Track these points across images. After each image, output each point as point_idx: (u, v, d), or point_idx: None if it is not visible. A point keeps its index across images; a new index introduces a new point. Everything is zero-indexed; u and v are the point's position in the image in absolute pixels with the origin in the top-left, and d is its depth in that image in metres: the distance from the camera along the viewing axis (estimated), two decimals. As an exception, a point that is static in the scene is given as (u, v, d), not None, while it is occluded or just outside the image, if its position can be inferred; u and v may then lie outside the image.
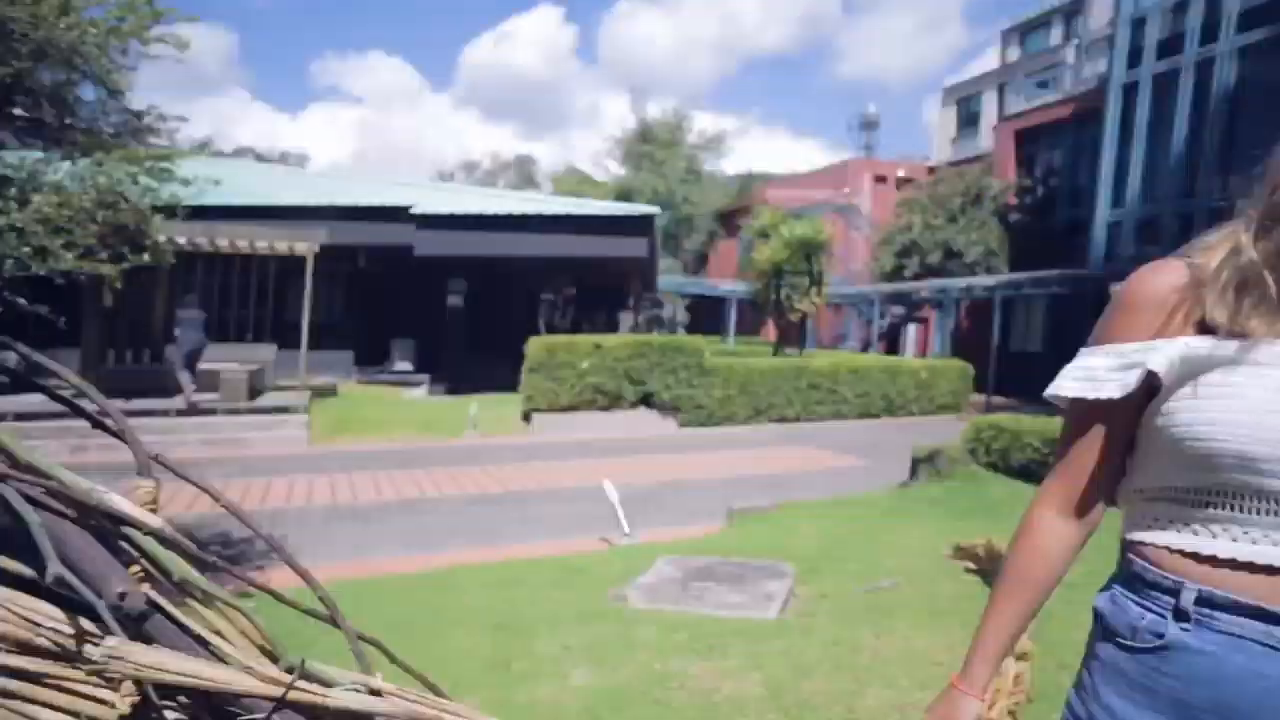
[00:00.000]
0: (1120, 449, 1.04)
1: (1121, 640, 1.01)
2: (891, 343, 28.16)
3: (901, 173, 31.70)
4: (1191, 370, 0.94)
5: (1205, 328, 0.95)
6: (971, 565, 5.12)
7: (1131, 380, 0.97)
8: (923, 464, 8.08)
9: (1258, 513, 0.92)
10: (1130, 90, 19.40)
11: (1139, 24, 19.62)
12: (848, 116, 58.67)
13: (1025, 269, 21.27)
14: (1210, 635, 0.94)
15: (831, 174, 32.62)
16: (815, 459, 10.07)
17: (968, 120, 31.35)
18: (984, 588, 4.58)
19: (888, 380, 15.33)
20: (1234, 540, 0.93)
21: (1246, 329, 0.92)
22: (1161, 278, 1.00)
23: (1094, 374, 1.01)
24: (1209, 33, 17.83)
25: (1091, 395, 1.00)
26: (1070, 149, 23.59)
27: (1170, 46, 18.77)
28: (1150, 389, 0.98)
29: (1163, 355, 0.95)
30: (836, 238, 20.82)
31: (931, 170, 29.82)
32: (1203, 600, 0.94)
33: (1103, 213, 19.54)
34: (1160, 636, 0.97)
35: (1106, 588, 1.06)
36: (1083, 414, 1.03)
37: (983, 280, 21.54)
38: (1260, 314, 0.91)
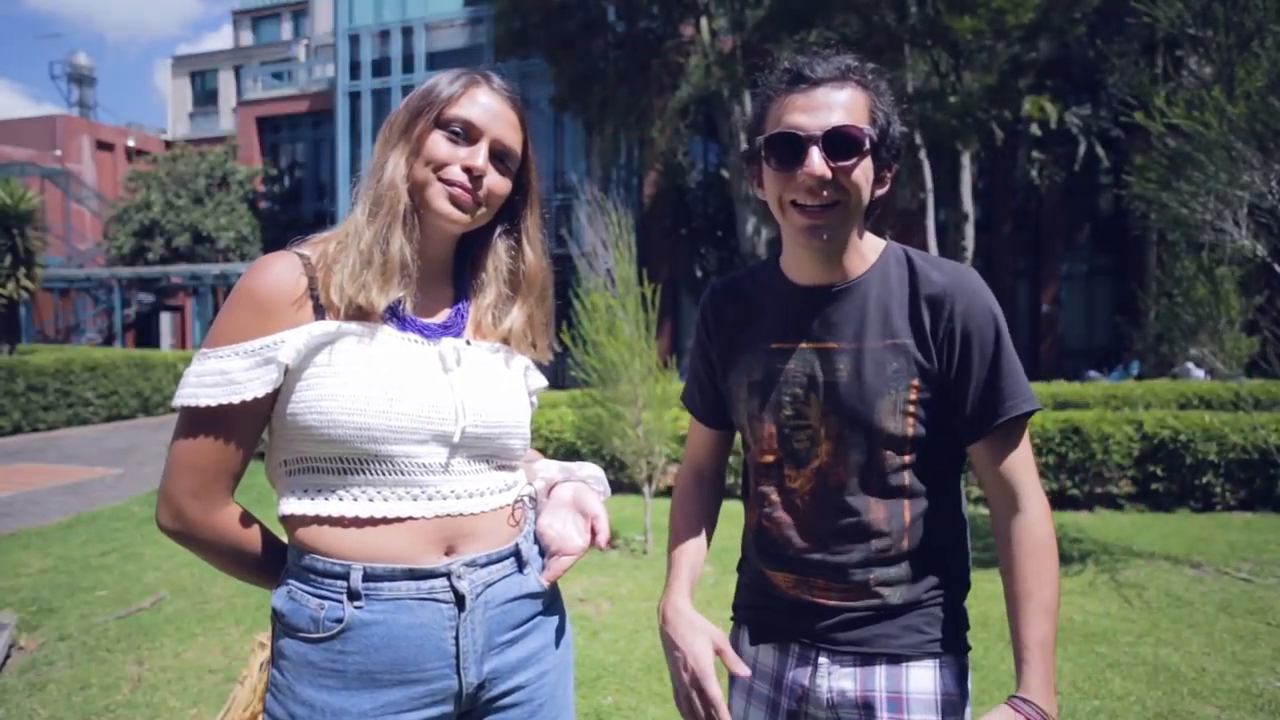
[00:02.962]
0: (258, 435, 1.09)
1: (306, 635, 1.04)
2: (143, 334, 25.04)
3: (132, 142, 28.13)
4: (315, 353, 1.03)
5: (322, 310, 1.05)
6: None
7: (272, 375, 1.02)
8: (185, 464, 7.50)
9: (383, 473, 1.04)
10: (355, 98, 21.41)
11: (355, 40, 21.77)
12: (52, 63, 48.78)
13: (280, 255, 21.59)
14: (379, 605, 1.04)
15: (36, 130, 26.74)
16: (48, 476, 8.31)
17: (205, 97, 29.75)
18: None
19: (139, 376, 13.59)
20: (370, 500, 1.05)
21: (370, 302, 1.05)
22: (277, 271, 1.05)
23: (232, 377, 1.02)
24: (408, 63, 21.05)
25: (237, 400, 1.01)
26: (311, 143, 24.73)
27: (382, 67, 21.40)
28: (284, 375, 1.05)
29: (290, 346, 1.02)
30: (52, 209, 17.29)
31: (169, 145, 27.34)
32: (369, 576, 1.04)
33: (346, 208, 21.22)
34: (340, 621, 1.03)
35: (282, 583, 1.08)
36: (224, 415, 1.03)
37: (238, 267, 20.98)
38: (379, 285, 1.06)
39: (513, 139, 1.14)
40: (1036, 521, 1.16)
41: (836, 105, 1.11)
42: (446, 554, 1.09)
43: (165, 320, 26.10)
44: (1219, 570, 4.67)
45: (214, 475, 1.06)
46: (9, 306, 13.61)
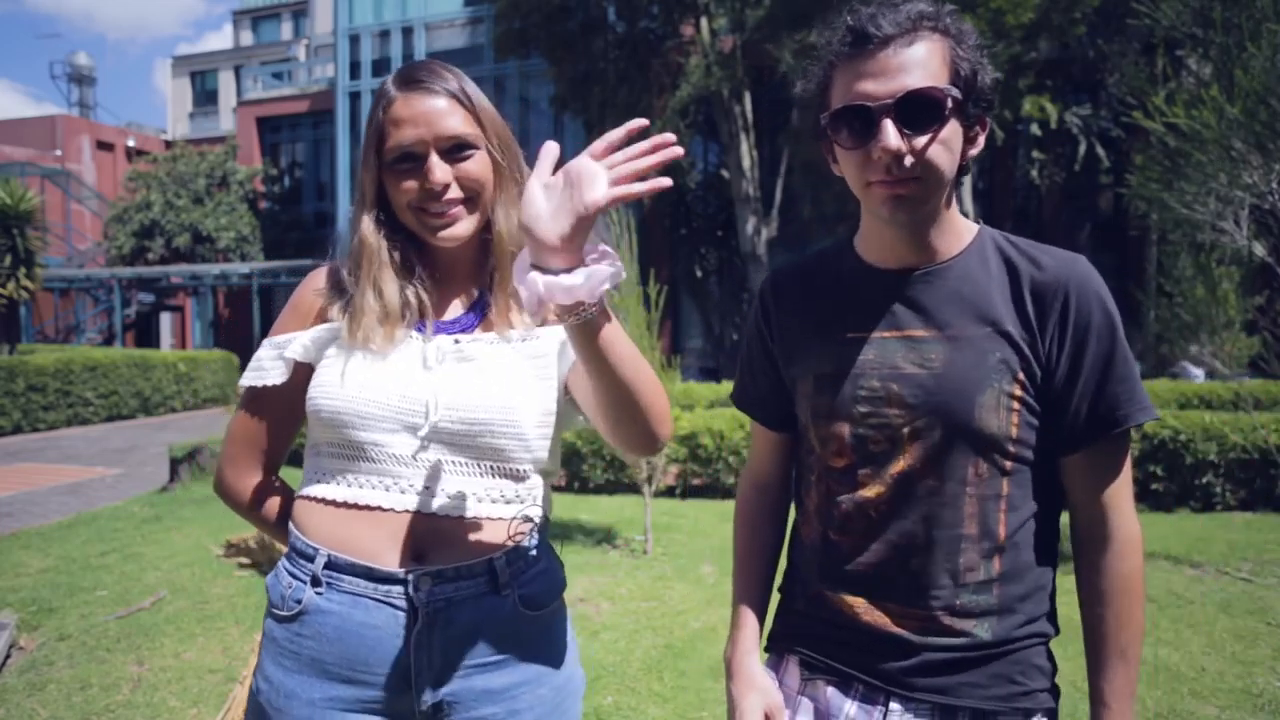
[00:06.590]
0: (288, 420, 1.21)
1: (275, 611, 1.09)
2: (143, 334, 25.04)
3: (132, 142, 28.08)
4: (324, 348, 1.13)
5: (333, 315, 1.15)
6: (245, 560, 5.06)
7: (284, 367, 1.14)
8: (183, 464, 7.52)
9: (357, 459, 1.08)
10: (355, 98, 21.40)
11: (355, 40, 21.75)
12: (52, 62, 48.59)
13: (280, 257, 21.51)
14: (337, 596, 1.05)
15: (36, 130, 26.66)
16: (48, 476, 8.32)
17: (205, 97, 29.75)
18: (258, 579, 4.59)
19: (140, 376, 13.60)
20: (347, 486, 1.08)
21: (379, 347, 1.10)
22: (313, 281, 1.19)
23: (262, 364, 1.16)
24: (409, 63, 21.12)
25: (261, 384, 1.15)
26: (311, 143, 24.72)
27: (382, 67, 21.40)
28: (310, 369, 1.14)
29: (298, 344, 1.13)
30: (52, 209, 17.28)
31: (169, 145, 27.33)
32: (331, 565, 1.05)
33: (345, 208, 21.21)
34: (299, 602, 1.06)
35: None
36: (256, 396, 1.18)
37: (238, 267, 20.98)
38: (383, 333, 1.11)
39: (454, 125, 1.08)
40: (1129, 554, 1.03)
41: (911, 65, 0.95)
42: (416, 559, 1.05)
43: (165, 320, 26.09)
44: (1219, 570, 4.66)
45: (247, 447, 1.19)
46: (9, 306, 13.61)
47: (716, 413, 7.07)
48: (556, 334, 1.13)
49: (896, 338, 1.05)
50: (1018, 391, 1.01)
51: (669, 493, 6.82)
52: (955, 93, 0.96)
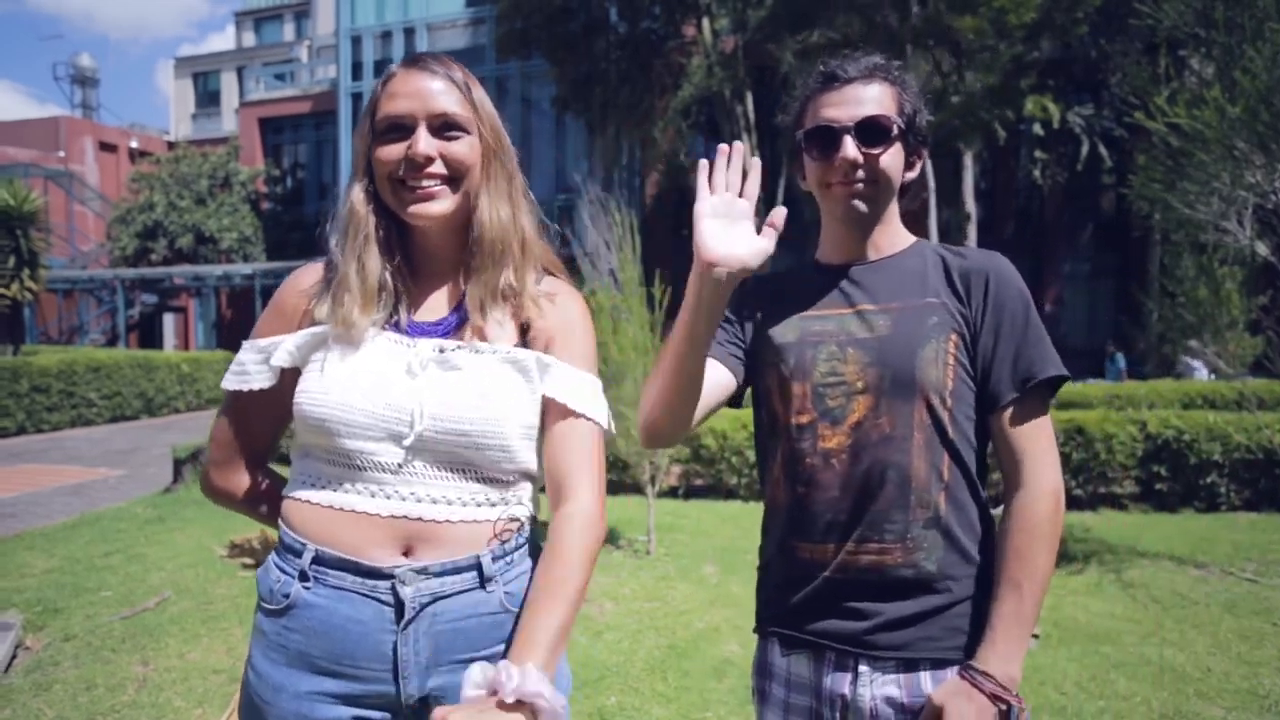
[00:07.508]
0: (274, 420, 1.20)
1: (265, 605, 1.10)
2: (146, 335, 25.09)
3: (135, 143, 28.12)
4: (312, 352, 1.11)
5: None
6: (249, 561, 5.07)
7: (270, 373, 1.13)
8: (187, 464, 7.53)
9: (344, 466, 1.08)
10: (357, 99, 21.42)
11: (357, 41, 21.76)
12: (55, 64, 48.67)
13: (283, 258, 21.52)
14: (324, 590, 1.06)
15: (40, 131, 26.70)
16: (51, 476, 8.33)
17: (208, 98, 29.78)
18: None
19: (143, 377, 13.61)
20: (334, 491, 1.08)
21: (352, 324, 1.08)
22: (297, 279, 1.17)
23: (245, 368, 1.14)
24: (415, 62, 21.16)
25: (245, 388, 1.14)
26: (313, 144, 24.74)
27: (384, 68, 21.39)
28: (296, 372, 1.12)
29: (284, 350, 1.12)
30: (55, 210, 17.31)
31: (172, 146, 27.37)
32: (318, 560, 1.06)
33: (348, 205, 21.25)
34: (287, 596, 1.07)
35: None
36: (239, 400, 1.17)
37: (241, 268, 21.01)
38: (360, 308, 1.09)
39: (449, 104, 1.09)
40: (1037, 499, 1.15)
41: (866, 99, 1.22)
42: (405, 554, 1.07)
43: (168, 321, 26.13)
44: (1224, 570, 4.65)
45: (233, 449, 1.20)
46: (13, 307, 13.64)
47: (719, 413, 7.06)
48: (532, 354, 1.12)
49: (851, 313, 1.26)
50: (952, 349, 1.20)
51: (672, 493, 6.82)
52: (900, 122, 1.23)
